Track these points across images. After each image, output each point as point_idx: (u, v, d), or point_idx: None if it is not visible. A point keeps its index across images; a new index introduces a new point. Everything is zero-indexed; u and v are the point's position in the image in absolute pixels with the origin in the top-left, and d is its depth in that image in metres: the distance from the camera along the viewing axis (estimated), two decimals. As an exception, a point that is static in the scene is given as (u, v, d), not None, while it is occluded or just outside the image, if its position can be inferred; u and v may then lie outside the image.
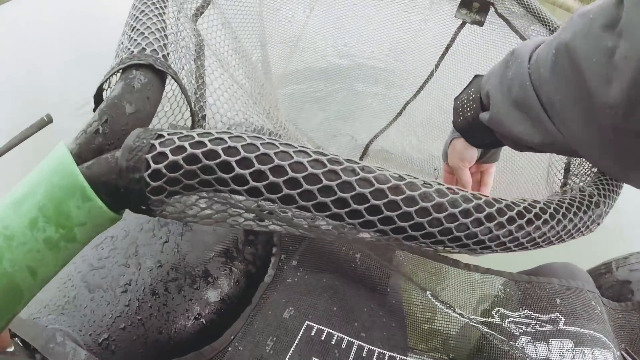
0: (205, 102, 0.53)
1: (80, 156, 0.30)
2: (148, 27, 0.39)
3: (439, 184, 0.29)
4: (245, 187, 0.26)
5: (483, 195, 0.29)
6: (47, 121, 0.51)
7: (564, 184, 0.61)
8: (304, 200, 0.27)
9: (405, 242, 0.29)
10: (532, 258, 0.77)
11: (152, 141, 0.27)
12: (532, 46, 0.43)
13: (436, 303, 0.65)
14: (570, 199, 0.36)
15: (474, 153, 0.59)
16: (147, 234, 0.58)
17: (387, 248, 0.60)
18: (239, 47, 0.72)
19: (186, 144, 0.27)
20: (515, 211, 0.30)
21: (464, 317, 0.64)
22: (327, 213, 0.27)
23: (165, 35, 0.40)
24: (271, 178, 0.26)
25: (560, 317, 0.66)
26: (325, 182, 0.26)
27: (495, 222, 0.29)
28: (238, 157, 0.26)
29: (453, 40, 1.09)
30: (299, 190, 0.26)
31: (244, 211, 0.31)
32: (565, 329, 0.64)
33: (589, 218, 0.36)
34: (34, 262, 0.27)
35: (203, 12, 0.64)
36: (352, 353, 0.52)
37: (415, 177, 0.28)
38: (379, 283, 0.65)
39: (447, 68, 1.17)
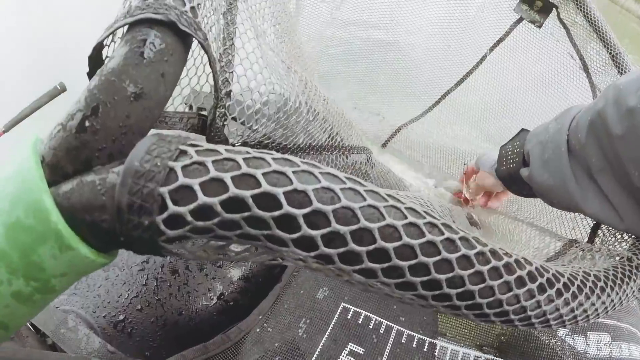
0: (232, 73, 0.40)
1: (55, 168, 0.20)
2: None
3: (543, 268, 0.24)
4: (313, 254, 0.19)
5: (565, 275, 0.26)
6: (60, 90, 0.43)
7: (596, 227, 0.57)
8: (386, 277, 0.20)
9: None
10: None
11: (170, 163, 0.17)
12: (573, 114, 0.46)
13: None
14: (621, 272, 0.34)
15: (497, 189, 0.68)
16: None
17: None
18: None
19: (227, 177, 0.17)
20: (588, 286, 0.28)
21: None
22: (410, 293, 0.21)
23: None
24: (351, 245, 0.19)
25: (598, 308, 0.64)
26: (420, 258, 0.19)
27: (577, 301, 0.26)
28: (308, 210, 0.18)
29: (507, 34, 0.99)
30: (384, 266, 0.19)
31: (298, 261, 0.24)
32: (603, 322, 0.62)
33: (632, 292, 0.34)
34: (4, 317, 0.20)
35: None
36: (390, 338, 0.49)
37: (512, 255, 0.23)
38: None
39: (495, 62, 1.06)
